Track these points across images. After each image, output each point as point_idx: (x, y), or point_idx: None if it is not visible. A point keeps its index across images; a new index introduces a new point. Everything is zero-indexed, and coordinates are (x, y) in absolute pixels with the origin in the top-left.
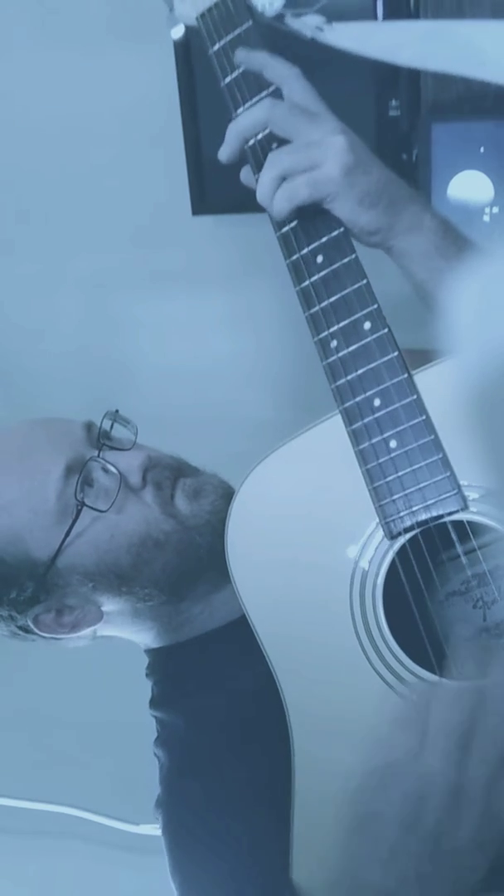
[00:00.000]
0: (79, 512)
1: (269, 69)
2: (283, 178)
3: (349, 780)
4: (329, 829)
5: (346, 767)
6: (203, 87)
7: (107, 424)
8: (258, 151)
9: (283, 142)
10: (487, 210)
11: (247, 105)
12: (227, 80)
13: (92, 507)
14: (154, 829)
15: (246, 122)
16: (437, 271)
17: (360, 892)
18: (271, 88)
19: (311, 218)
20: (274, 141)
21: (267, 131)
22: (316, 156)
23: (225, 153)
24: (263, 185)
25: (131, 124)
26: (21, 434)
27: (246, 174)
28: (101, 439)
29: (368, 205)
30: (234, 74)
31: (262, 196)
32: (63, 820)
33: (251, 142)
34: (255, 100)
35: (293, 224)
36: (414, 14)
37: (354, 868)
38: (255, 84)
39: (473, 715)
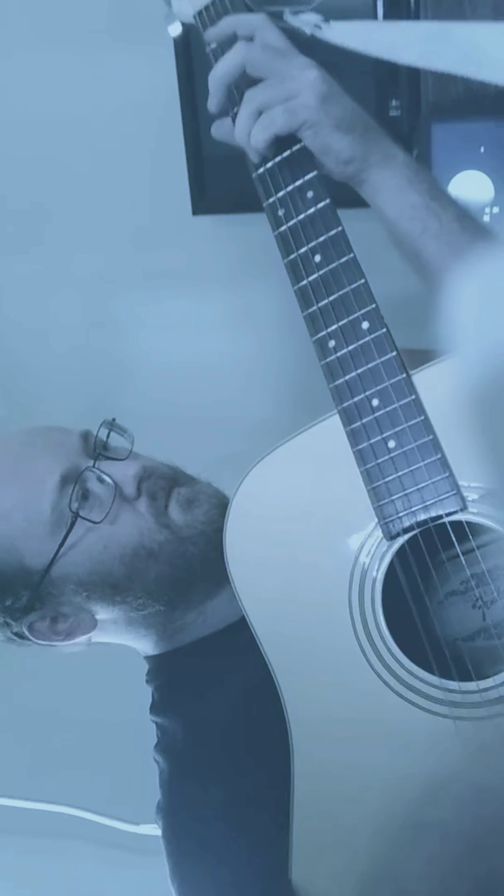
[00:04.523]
0: (73, 523)
1: (239, 26)
2: (260, 113)
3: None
4: (328, 830)
5: (345, 768)
6: (203, 87)
7: (103, 433)
8: (234, 95)
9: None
10: (487, 210)
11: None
12: None
13: (86, 519)
14: (154, 829)
15: (223, 68)
16: (409, 206)
17: None
18: None
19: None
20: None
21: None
22: (291, 87)
23: (213, 103)
24: (241, 120)
25: (131, 124)
26: (18, 442)
27: (217, 127)
28: (96, 449)
29: (345, 130)
30: None
31: (240, 132)
32: (63, 820)
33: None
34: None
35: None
36: (414, 14)
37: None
38: (251, 78)
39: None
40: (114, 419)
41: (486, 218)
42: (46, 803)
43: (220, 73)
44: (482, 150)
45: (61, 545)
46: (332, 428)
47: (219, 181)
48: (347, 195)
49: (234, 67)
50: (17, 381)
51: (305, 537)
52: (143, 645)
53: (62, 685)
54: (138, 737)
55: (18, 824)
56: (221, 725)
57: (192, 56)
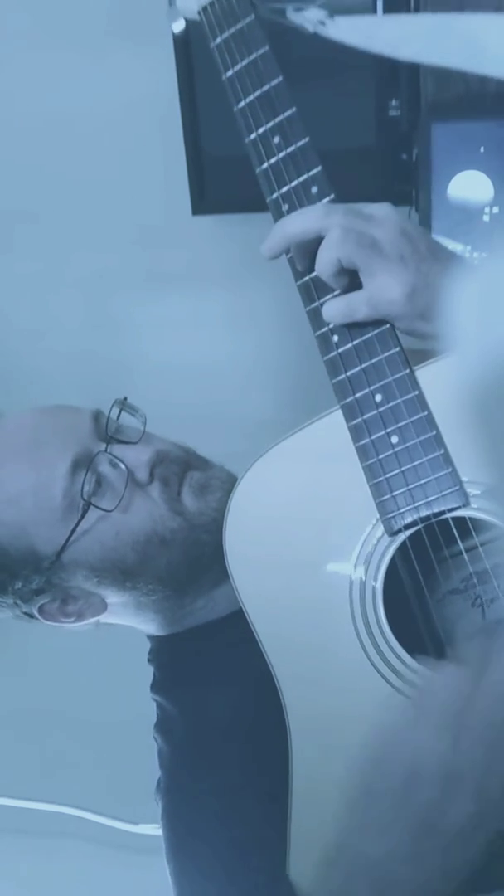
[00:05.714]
0: (85, 511)
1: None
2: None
3: (352, 758)
4: (327, 827)
5: (346, 764)
6: (203, 87)
7: (114, 413)
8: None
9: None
10: (487, 210)
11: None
12: (229, 73)
13: (98, 507)
14: (153, 829)
15: (298, 229)
16: None
17: (356, 866)
18: (275, 81)
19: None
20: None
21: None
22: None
23: (269, 251)
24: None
25: (131, 124)
26: (28, 425)
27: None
28: (108, 432)
29: (429, 318)
30: (237, 68)
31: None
32: (63, 820)
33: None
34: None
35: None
36: (414, 11)
37: (352, 840)
38: (256, 78)
39: (470, 695)
40: (125, 398)
41: (486, 218)
42: (46, 803)
43: (290, 232)
44: (482, 150)
45: (73, 532)
46: (330, 425)
47: (219, 181)
48: (349, 194)
49: (331, 261)
50: (17, 381)
51: (306, 534)
52: (149, 627)
53: (63, 685)
54: (138, 737)
55: (18, 824)
56: (222, 711)
57: (192, 56)
